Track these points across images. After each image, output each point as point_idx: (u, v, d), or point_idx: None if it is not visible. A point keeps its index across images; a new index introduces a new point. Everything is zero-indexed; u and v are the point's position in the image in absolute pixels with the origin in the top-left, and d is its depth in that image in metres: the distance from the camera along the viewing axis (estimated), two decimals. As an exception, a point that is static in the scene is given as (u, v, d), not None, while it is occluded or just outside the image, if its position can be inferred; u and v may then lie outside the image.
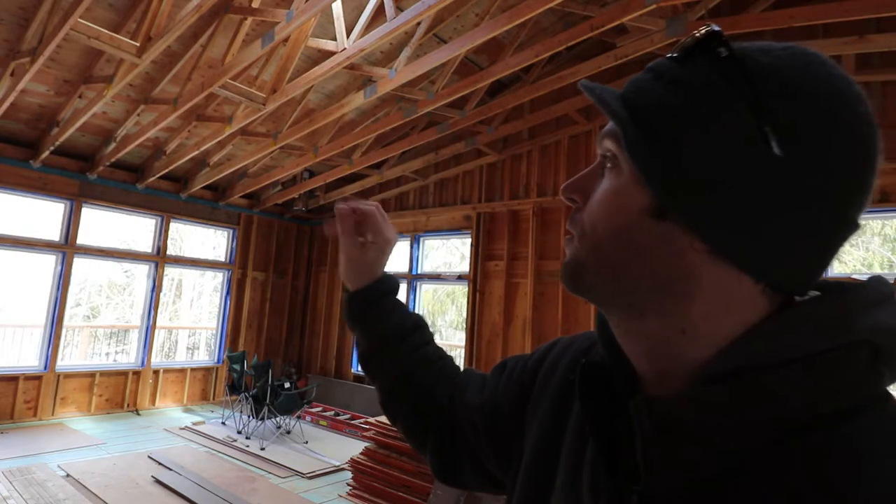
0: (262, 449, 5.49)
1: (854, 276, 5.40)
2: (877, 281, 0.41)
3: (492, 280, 6.79)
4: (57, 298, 6.51)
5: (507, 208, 6.77)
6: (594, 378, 0.48)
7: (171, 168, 6.68)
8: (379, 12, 4.12)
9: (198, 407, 7.55)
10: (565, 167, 6.38)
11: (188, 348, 10.95)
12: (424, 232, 7.77)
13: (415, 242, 7.87)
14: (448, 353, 0.80)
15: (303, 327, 9.14)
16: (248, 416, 6.09)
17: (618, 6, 3.88)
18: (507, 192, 6.87)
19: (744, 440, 0.37)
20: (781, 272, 0.39)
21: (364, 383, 7.79)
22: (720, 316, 0.40)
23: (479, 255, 6.91)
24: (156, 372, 7.34)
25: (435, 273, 7.90)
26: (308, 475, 4.85)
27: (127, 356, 8.77)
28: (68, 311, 6.86)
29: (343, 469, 4.95)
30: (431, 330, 0.81)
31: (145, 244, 7.70)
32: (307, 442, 5.89)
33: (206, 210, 8.05)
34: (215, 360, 8.16)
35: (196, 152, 6.21)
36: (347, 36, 4.24)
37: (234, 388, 6.37)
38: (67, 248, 6.58)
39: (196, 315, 12.86)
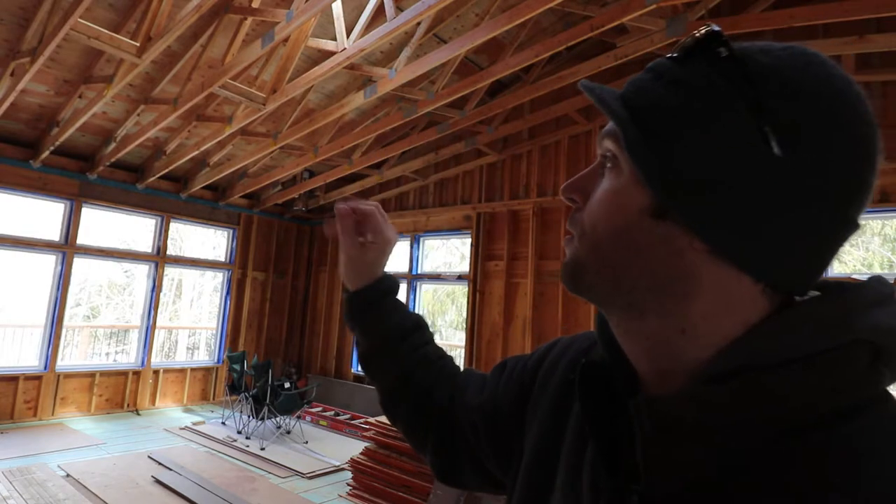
0: (262, 449, 5.49)
1: (854, 276, 5.40)
2: (877, 281, 0.41)
3: (492, 280, 6.79)
4: (57, 298, 6.52)
5: (507, 208, 6.77)
6: (594, 378, 0.48)
7: (171, 168, 6.68)
8: (379, 12, 4.12)
9: (198, 407, 7.55)
10: (565, 167, 6.38)
11: (188, 348, 10.95)
12: (424, 232, 7.77)
13: (415, 242, 7.87)
14: (448, 353, 0.80)
15: (303, 327, 9.14)
16: (248, 416, 6.10)
17: (618, 6, 3.88)
18: (507, 192, 6.87)
19: (744, 440, 0.37)
20: (781, 272, 0.39)
21: (364, 383, 7.79)
22: (720, 316, 0.40)
23: (479, 255, 6.92)
24: (156, 372, 7.35)
25: (435, 273, 7.90)
26: (308, 475, 4.85)
27: (127, 356, 8.77)
28: (68, 311, 6.86)
29: (343, 469, 4.95)
30: (431, 330, 0.81)
31: (145, 244, 7.70)
32: (307, 442, 5.90)
33: (206, 210, 8.05)
34: (215, 360, 8.16)
35: (196, 152, 6.21)
36: (347, 36, 4.24)
37: (234, 388, 6.37)
38: (67, 248, 6.58)
39: (196, 315, 12.86)
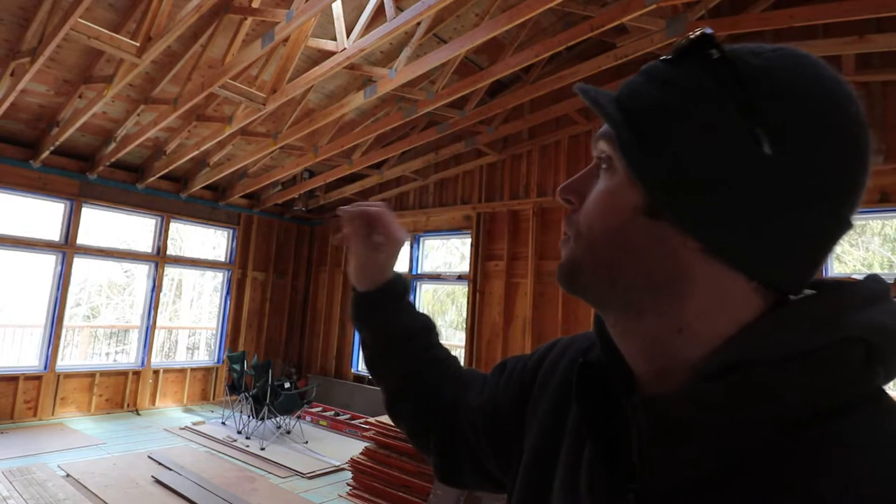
0: (262, 449, 5.49)
1: (854, 276, 5.40)
2: (872, 279, 0.41)
3: (492, 280, 6.79)
4: (57, 298, 6.52)
5: (507, 208, 6.77)
6: (591, 378, 0.49)
7: (171, 168, 6.68)
8: (379, 12, 4.13)
9: (198, 407, 7.55)
10: (565, 167, 6.38)
11: (188, 348, 10.95)
12: (424, 232, 7.77)
13: (415, 242, 7.87)
14: (452, 353, 0.80)
15: (303, 327, 9.14)
16: (248, 416, 6.10)
17: (618, 6, 3.88)
18: (507, 192, 6.87)
19: (738, 438, 0.37)
20: (774, 270, 0.39)
21: (364, 383, 7.80)
22: (715, 314, 0.40)
23: (479, 255, 6.92)
24: (156, 372, 7.35)
25: (435, 273, 7.90)
26: (308, 475, 4.85)
27: (127, 356, 8.77)
28: (68, 311, 6.86)
29: (343, 469, 4.95)
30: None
31: (145, 244, 7.70)
32: (307, 442, 5.90)
33: (206, 210, 8.05)
34: (215, 360, 8.16)
35: (196, 152, 6.22)
36: (347, 36, 4.24)
37: (234, 388, 6.37)
38: (67, 248, 6.59)
39: (196, 315, 12.86)
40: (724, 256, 0.39)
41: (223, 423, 6.46)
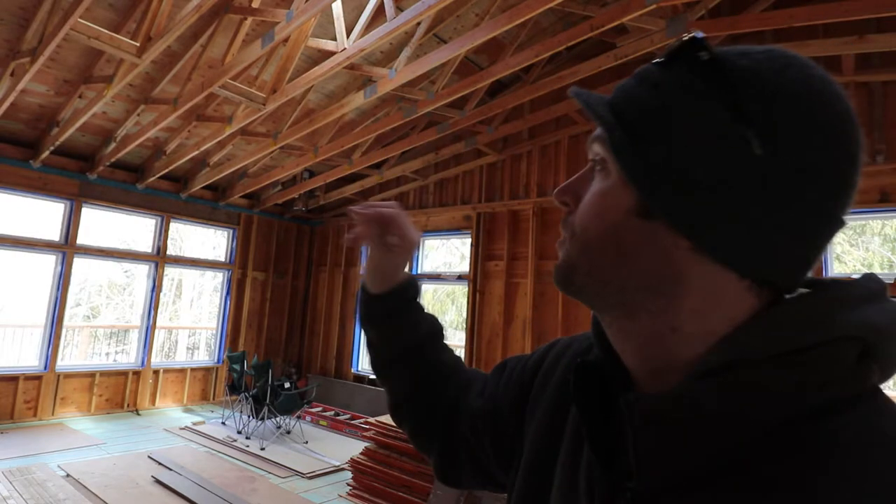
0: (262, 449, 5.49)
1: (853, 276, 5.39)
2: (867, 278, 0.41)
3: (492, 280, 6.80)
4: (57, 298, 6.52)
5: (507, 208, 6.77)
6: (589, 378, 0.49)
7: (171, 168, 6.68)
8: (379, 12, 4.13)
9: (198, 407, 7.56)
10: (565, 167, 6.38)
11: (188, 348, 10.95)
12: (424, 232, 7.76)
13: (415, 242, 7.86)
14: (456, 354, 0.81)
15: (303, 327, 9.14)
16: (248, 416, 6.10)
17: (618, 6, 3.88)
18: (507, 192, 6.87)
19: (733, 435, 0.37)
20: (766, 269, 0.40)
21: (364, 383, 7.80)
22: (709, 313, 0.41)
23: (479, 255, 6.92)
24: (156, 372, 7.35)
25: (435, 273, 7.90)
26: (308, 475, 4.86)
27: (127, 356, 8.77)
28: (68, 311, 6.86)
29: (343, 469, 4.95)
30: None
31: (145, 244, 7.70)
32: (307, 442, 5.90)
33: (206, 210, 8.05)
34: (215, 360, 8.16)
35: (196, 152, 6.22)
36: (347, 36, 4.24)
37: (234, 388, 6.37)
38: (67, 248, 6.59)
39: (196, 315, 12.86)
40: (716, 256, 0.39)
41: (223, 423, 6.46)
